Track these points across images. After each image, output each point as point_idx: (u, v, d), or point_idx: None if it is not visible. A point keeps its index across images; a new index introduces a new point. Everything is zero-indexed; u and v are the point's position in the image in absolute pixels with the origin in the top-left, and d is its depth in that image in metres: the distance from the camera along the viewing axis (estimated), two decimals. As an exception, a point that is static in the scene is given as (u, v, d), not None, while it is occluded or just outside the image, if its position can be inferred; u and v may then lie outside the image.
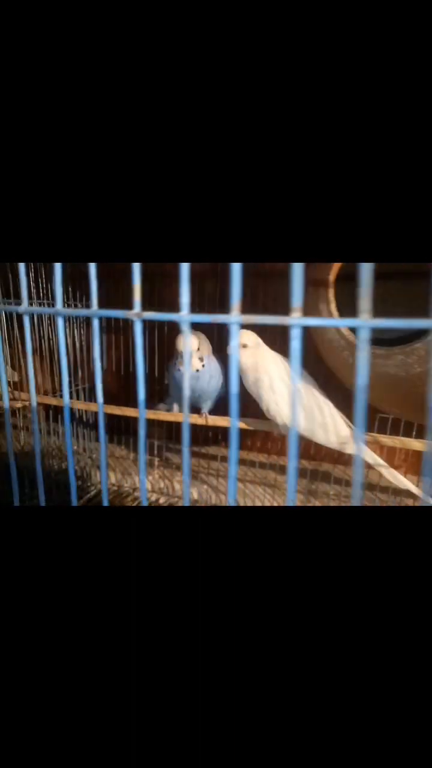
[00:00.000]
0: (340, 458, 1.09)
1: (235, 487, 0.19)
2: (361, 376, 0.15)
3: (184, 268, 0.17)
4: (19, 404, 0.82)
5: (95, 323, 0.18)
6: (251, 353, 0.76)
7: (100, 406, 0.19)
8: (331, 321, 0.17)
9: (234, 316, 0.17)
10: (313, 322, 0.16)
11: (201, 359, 0.79)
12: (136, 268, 0.17)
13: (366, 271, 0.15)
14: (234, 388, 0.18)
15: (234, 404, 0.18)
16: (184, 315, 0.17)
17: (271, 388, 0.75)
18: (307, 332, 0.85)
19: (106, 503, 0.21)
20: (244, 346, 0.76)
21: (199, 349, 0.78)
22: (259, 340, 0.78)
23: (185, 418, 0.19)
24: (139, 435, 0.19)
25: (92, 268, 0.17)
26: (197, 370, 0.78)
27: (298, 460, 0.18)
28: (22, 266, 0.18)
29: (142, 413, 0.18)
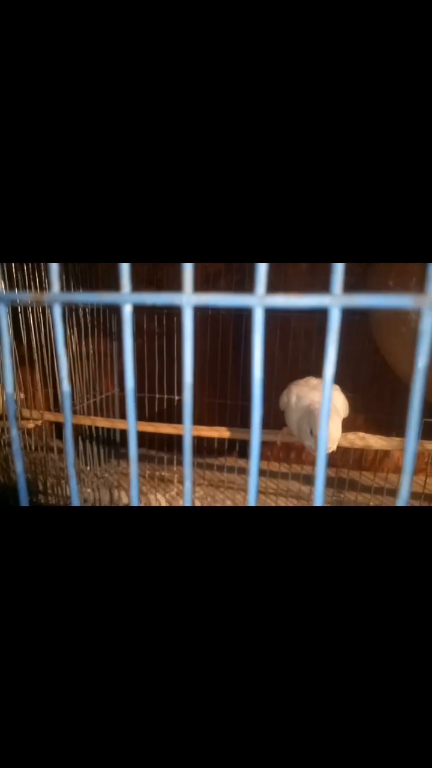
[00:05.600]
0: (366, 465, 1.05)
1: (256, 489, 0.17)
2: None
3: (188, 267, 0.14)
4: (31, 424, 0.79)
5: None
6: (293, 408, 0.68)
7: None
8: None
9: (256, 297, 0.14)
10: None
11: None
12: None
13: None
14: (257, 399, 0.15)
15: (257, 413, 0.16)
16: (188, 295, 0.14)
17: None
18: (368, 333, 0.81)
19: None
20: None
21: None
22: (293, 390, 0.70)
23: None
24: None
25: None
26: None
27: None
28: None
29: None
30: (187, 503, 0.19)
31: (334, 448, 0.60)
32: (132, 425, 0.18)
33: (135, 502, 0.20)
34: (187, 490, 0.19)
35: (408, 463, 0.15)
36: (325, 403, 0.15)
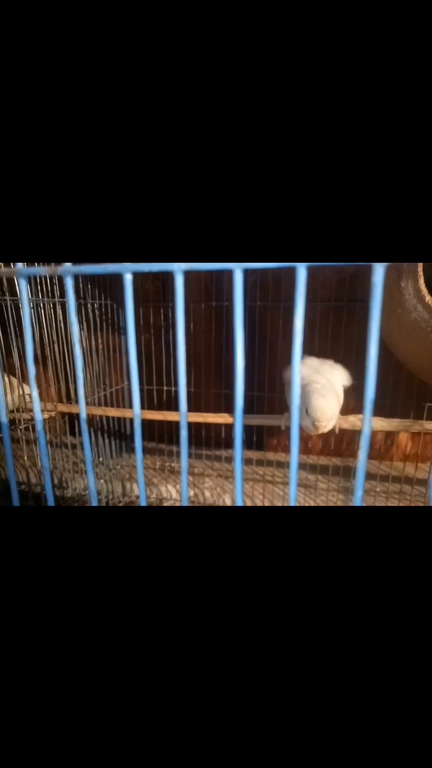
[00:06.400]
0: (370, 453, 1.07)
1: (242, 488, 0.19)
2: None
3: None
4: (45, 415, 0.83)
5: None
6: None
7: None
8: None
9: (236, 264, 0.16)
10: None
11: None
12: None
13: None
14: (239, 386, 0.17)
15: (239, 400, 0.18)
16: (178, 264, 0.16)
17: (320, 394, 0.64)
18: (363, 311, 0.82)
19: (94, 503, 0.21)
20: None
21: None
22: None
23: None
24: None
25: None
26: None
27: (299, 456, 0.18)
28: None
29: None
30: (185, 502, 0.22)
31: (328, 427, 0.60)
32: (135, 386, 0.20)
33: (143, 501, 0.23)
34: (184, 485, 0.21)
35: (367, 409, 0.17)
36: (295, 361, 0.17)
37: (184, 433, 0.19)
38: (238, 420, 0.19)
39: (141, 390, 1.09)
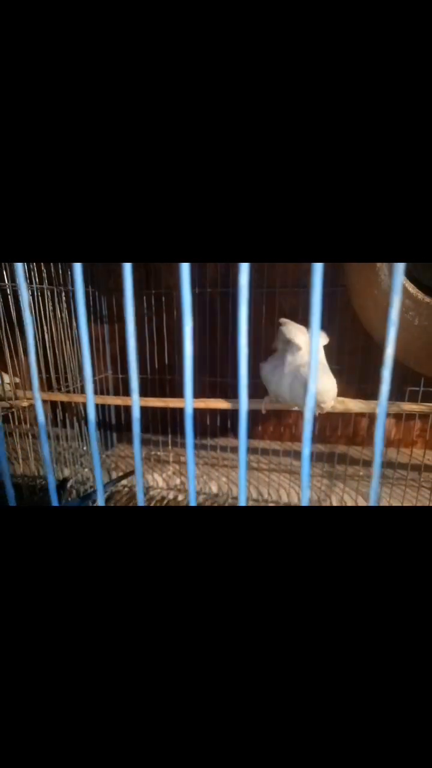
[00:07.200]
0: (354, 439, 1.08)
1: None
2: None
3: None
4: (25, 403, 0.82)
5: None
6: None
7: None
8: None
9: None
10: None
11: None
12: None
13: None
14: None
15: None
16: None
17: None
18: (345, 297, 0.82)
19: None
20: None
21: None
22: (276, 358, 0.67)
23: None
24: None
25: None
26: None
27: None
28: None
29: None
30: (141, 503, 0.21)
31: (330, 404, 0.58)
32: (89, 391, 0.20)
33: (101, 502, 0.23)
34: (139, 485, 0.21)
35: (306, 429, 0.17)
36: (241, 354, 0.17)
37: (136, 429, 0.19)
38: (188, 404, 0.18)
39: (120, 378, 1.08)
